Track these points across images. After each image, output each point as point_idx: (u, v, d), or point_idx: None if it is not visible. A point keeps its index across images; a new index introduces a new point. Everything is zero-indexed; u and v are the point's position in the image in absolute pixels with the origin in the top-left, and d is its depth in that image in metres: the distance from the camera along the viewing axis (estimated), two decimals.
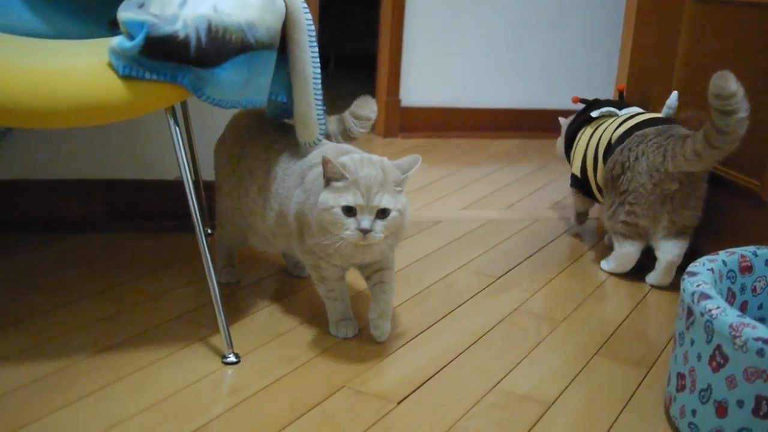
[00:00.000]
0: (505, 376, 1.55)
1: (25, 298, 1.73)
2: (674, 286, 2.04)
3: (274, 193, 1.62)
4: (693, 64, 2.09)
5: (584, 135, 2.26)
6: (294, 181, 1.58)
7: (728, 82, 1.73)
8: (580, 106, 2.38)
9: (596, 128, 2.22)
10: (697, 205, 2.00)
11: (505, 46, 3.65)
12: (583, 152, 2.23)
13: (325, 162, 1.42)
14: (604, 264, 2.15)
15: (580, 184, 2.25)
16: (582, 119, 2.31)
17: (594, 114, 2.24)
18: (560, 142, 2.45)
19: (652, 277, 2.07)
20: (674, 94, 2.15)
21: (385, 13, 3.48)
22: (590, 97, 2.39)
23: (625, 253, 2.06)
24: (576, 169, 2.25)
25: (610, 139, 2.11)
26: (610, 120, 2.19)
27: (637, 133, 2.04)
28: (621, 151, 2.04)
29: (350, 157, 1.49)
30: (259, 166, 1.66)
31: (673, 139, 1.94)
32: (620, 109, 2.23)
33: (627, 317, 1.85)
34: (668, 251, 2.01)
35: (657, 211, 1.98)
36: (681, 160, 1.89)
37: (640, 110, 2.20)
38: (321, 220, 1.45)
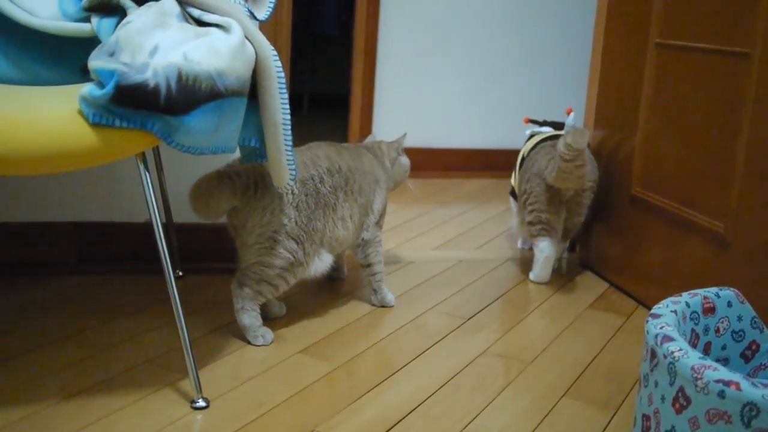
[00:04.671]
0: (473, 419, 1.56)
1: None
2: (643, 325, 2.06)
3: (356, 193, 1.92)
4: (656, 106, 2.14)
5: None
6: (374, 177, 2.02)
7: (582, 139, 2.04)
8: (531, 126, 2.63)
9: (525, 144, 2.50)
10: (584, 212, 2.31)
11: (476, 86, 3.70)
12: (515, 164, 2.51)
13: None
14: (531, 275, 2.35)
15: (515, 193, 2.49)
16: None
17: (526, 132, 2.55)
18: None
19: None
20: (571, 115, 2.45)
21: (357, 53, 3.53)
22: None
23: (541, 249, 2.28)
24: (512, 179, 2.52)
25: (524, 153, 2.39)
26: (535, 137, 2.46)
27: (538, 146, 2.34)
28: (525, 162, 2.35)
29: None
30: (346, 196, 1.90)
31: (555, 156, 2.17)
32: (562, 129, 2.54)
33: (595, 357, 1.87)
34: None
35: (557, 207, 2.25)
36: (551, 178, 2.18)
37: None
38: None
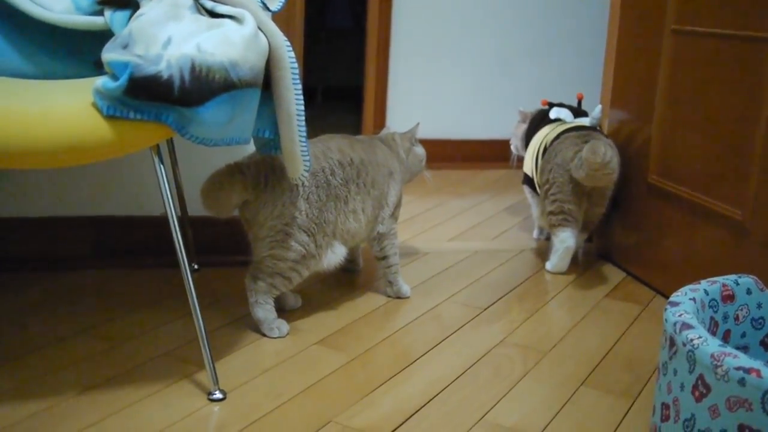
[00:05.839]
0: (492, 408, 1.55)
1: (11, 336, 1.73)
2: (661, 313, 2.05)
3: (369, 186, 1.91)
4: (673, 93, 2.12)
5: (536, 136, 2.46)
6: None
7: (595, 155, 2.05)
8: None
9: (546, 132, 2.43)
10: (606, 204, 2.31)
11: (490, 77, 3.69)
12: (532, 152, 2.43)
13: None
14: (548, 264, 2.33)
15: (530, 182, 2.44)
16: (540, 119, 2.53)
17: (552, 115, 2.49)
18: (518, 130, 2.66)
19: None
20: (599, 107, 2.38)
21: (370, 45, 3.52)
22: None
23: (562, 239, 2.26)
24: (527, 168, 2.45)
25: (546, 142, 2.34)
26: (556, 125, 2.41)
27: (562, 136, 2.30)
28: (548, 152, 2.30)
29: None
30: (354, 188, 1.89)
31: (583, 147, 2.13)
32: (576, 114, 2.49)
33: (613, 346, 1.86)
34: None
35: (579, 197, 2.23)
36: (579, 176, 2.15)
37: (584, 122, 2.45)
38: None
